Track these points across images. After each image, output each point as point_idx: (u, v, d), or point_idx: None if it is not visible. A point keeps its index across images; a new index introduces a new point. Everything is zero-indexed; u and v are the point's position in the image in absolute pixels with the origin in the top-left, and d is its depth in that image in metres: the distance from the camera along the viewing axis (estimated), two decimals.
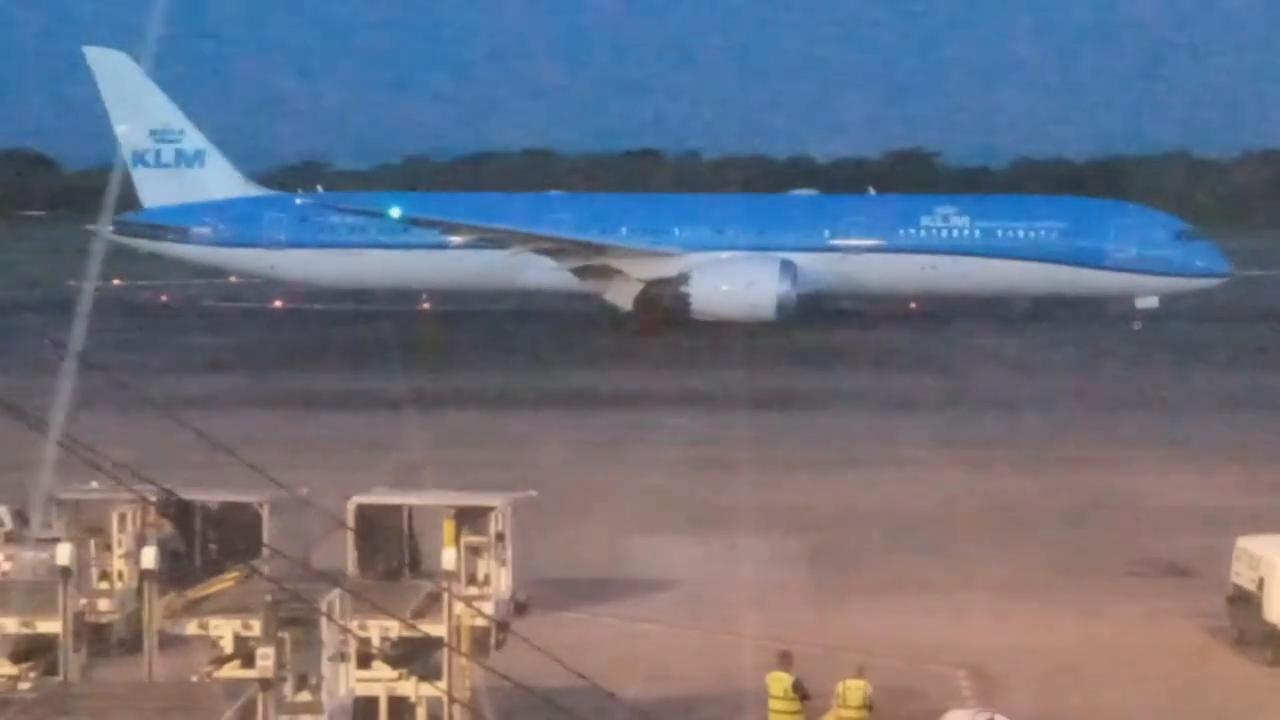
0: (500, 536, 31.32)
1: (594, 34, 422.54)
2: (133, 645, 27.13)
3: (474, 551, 30.97)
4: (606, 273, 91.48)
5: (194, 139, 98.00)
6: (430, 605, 27.90)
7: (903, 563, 41.38)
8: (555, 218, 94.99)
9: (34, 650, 26.17)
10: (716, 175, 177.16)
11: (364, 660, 25.32)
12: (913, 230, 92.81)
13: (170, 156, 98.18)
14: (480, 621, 28.72)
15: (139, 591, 27.07)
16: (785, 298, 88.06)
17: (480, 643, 28.01)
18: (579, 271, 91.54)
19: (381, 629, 26.49)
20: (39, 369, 55.82)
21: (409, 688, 26.64)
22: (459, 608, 27.51)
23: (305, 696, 22.59)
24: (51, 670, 25.61)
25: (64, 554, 26.22)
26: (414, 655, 26.75)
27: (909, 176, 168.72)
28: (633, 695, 29.86)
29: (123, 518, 30.07)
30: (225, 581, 27.17)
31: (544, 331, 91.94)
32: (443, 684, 26.09)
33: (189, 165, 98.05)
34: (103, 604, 29.00)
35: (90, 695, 23.52)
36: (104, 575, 29.80)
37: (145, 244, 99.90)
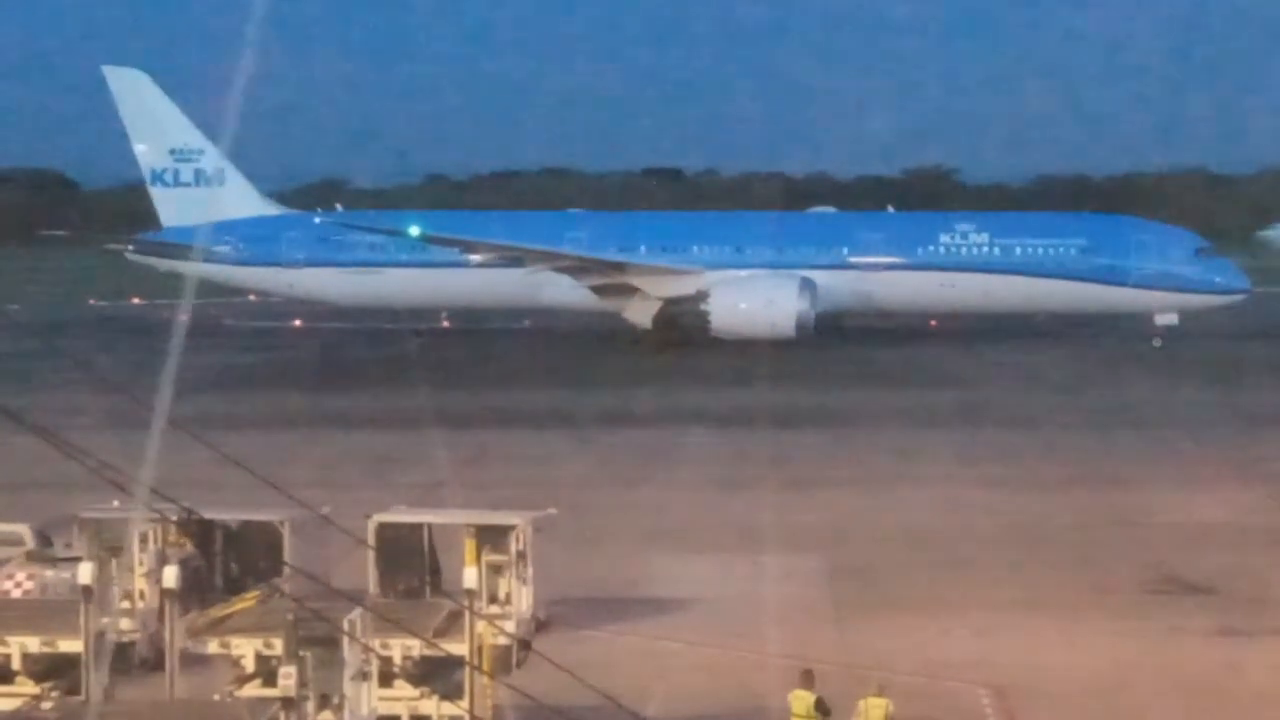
0: (521, 555, 31.34)
1: (612, 53, 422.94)
2: (155, 664, 27.22)
3: (495, 570, 31.01)
4: (625, 290, 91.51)
5: (213, 158, 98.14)
6: (452, 624, 27.94)
7: (923, 580, 41.29)
8: (574, 236, 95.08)
9: (56, 669, 26.24)
10: (735, 193, 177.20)
11: (386, 679, 25.33)
12: (932, 247, 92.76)
13: (189, 176, 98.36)
14: (502, 640, 28.77)
15: (160, 611, 27.13)
16: (804, 315, 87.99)
17: (502, 661, 28.08)
18: (598, 289, 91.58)
19: (403, 648, 26.55)
20: (65, 388, 56.22)
21: (431, 707, 26.67)
22: (480, 626, 27.54)
23: (327, 715, 22.61)
24: (74, 689, 25.68)
25: (86, 573, 26.31)
26: (436, 674, 26.78)
27: (928, 193, 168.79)
28: (654, 713, 29.84)
29: (144, 537, 30.11)
30: (247, 600, 27.24)
31: (563, 350, 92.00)
32: (465, 703, 26.11)
33: (208, 184, 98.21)
34: (125, 623, 29.03)
35: (112, 714, 23.59)
36: (126, 594, 29.84)
37: (164, 263, 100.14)
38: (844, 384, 79.21)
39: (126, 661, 28.60)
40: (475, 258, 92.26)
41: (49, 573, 33.54)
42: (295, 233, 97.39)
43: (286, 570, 28.73)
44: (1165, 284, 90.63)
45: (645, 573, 41.87)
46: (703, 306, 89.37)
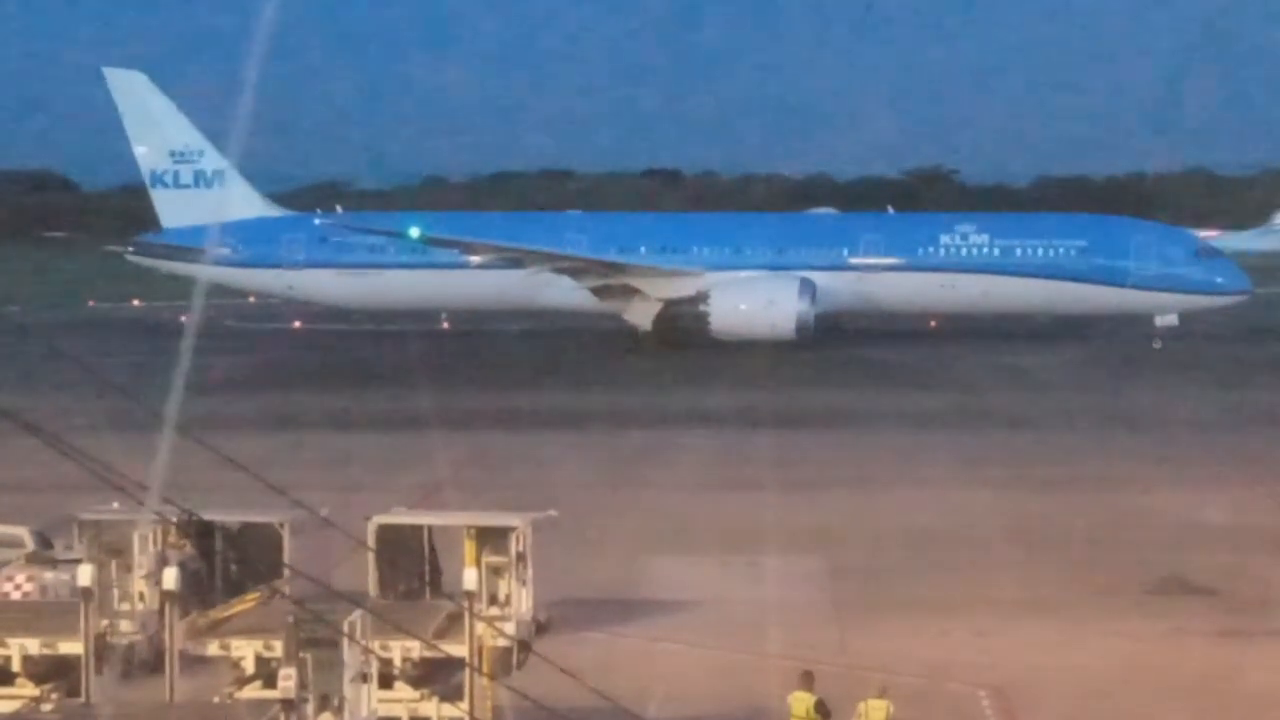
0: (521, 556, 31.31)
1: (611, 54, 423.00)
2: (155, 666, 27.18)
3: (495, 571, 30.97)
4: (625, 292, 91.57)
5: (213, 160, 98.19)
6: (451, 625, 27.92)
7: (923, 581, 41.26)
8: (574, 237, 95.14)
9: (56, 671, 26.23)
10: (735, 194, 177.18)
11: (386, 681, 25.31)
12: (932, 248, 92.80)
13: (189, 177, 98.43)
14: (502, 641, 28.73)
15: (160, 612, 27.11)
16: (805, 316, 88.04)
17: (502, 663, 28.03)
18: (598, 291, 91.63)
19: (403, 649, 26.51)
20: (64, 390, 56.20)
21: (431, 708, 26.64)
22: (480, 628, 27.52)
23: (327, 717, 22.60)
24: (73, 692, 25.68)
25: (86, 575, 26.29)
26: (436, 676, 26.76)
27: (928, 195, 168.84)
28: (654, 715, 29.84)
29: (144, 538, 30.08)
30: (246, 602, 27.26)
31: (563, 351, 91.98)
32: (464, 704, 26.08)
33: (208, 186, 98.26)
34: (124, 625, 28.99)
35: (112, 716, 23.57)
36: (125, 596, 29.80)
37: (164, 264, 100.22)
38: (844, 385, 79.23)
39: (126, 663, 28.55)
40: (475, 259, 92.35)
41: (49, 575, 33.52)
42: (295, 234, 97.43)
43: (286, 572, 28.70)
44: (1165, 285, 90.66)
45: (645, 574, 41.87)
46: (703, 308, 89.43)
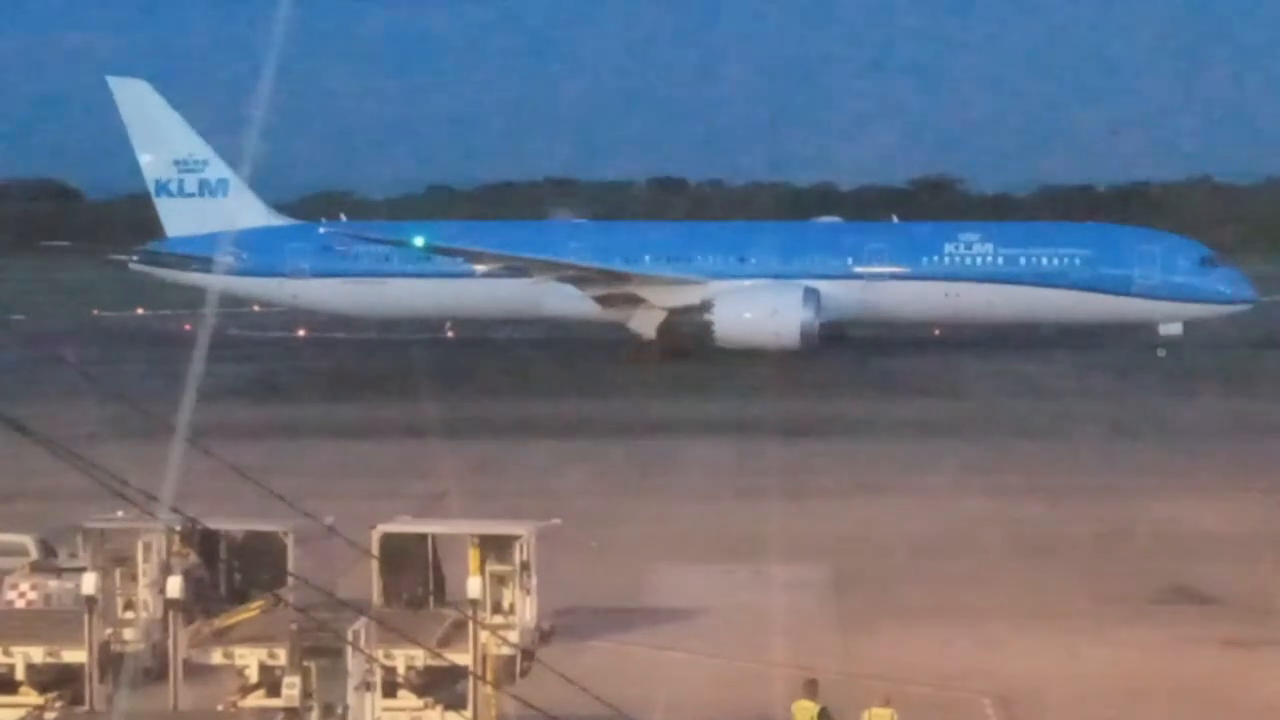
0: (525, 565, 31.29)
1: (615, 62, 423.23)
2: (158, 674, 27.16)
3: (499, 580, 30.94)
4: (630, 300, 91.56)
5: (217, 169, 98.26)
6: (455, 634, 27.88)
7: (928, 589, 41.26)
8: (578, 246, 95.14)
9: (60, 680, 26.22)
10: (740, 203, 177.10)
11: (390, 689, 25.28)
12: (936, 257, 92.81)
13: (193, 186, 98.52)
14: (506, 650, 28.69)
15: (164, 621, 27.10)
16: (809, 325, 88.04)
17: (506, 671, 27.98)
18: (602, 299, 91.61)
19: (407, 658, 26.47)
20: (69, 398, 56.17)
21: (435, 717, 26.60)
22: (484, 636, 27.48)
23: None
24: (77, 700, 25.66)
25: (90, 583, 26.28)
26: (439, 684, 26.72)
27: (932, 203, 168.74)
28: None
29: (148, 547, 30.08)
30: (250, 610, 27.22)
31: (567, 360, 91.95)
32: (468, 713, 26.05)
33: (212, 195, 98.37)
34: (128, 633, 28.99)
35: None
36: (129, 605, 29.79)
37: (168, 273, 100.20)
38: (847, 394, 79.23)
39: (130, 672, 28.54)
40: (480, 268, 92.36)
41: (53, 583, 33.49)
42: (299, 243, 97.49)
43: (290, 580, 28.67)
44: (1169, 294, 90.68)
45: (650, 582, 41.85)
46: (707, 316, 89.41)
